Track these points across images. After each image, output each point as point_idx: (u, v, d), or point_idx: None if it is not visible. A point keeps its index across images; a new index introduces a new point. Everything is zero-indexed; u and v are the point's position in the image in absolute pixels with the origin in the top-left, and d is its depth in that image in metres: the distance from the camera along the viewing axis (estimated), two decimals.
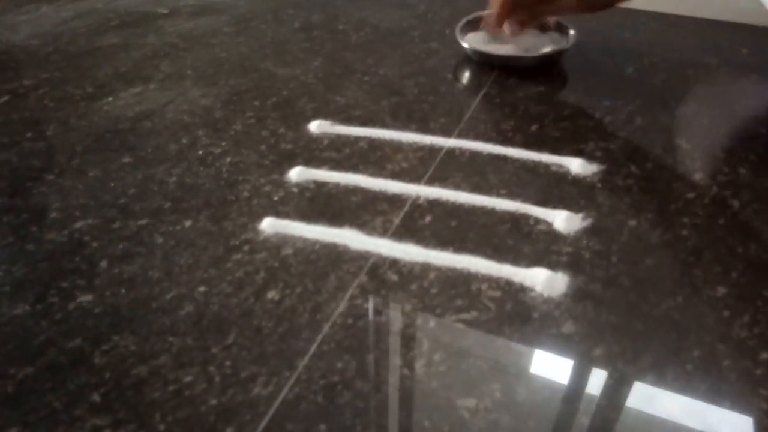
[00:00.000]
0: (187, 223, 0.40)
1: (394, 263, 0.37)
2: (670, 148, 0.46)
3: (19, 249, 0.39)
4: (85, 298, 0.36)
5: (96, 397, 0.30)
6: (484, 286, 0.35)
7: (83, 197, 0.43)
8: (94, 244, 0.39)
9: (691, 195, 0.41)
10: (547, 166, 0.44)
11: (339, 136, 0.49)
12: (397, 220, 0.40)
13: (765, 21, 0.59)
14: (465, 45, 0.58)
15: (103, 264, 0.38)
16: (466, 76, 0.57)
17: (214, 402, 0.30)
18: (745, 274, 0.35)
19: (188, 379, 0.31)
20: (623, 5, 0.53)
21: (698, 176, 0.43)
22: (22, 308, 0.35)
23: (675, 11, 0.67)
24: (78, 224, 0.41)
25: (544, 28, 0.60)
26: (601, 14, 0.66)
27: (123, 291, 0.36)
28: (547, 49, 0.58)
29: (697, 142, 0.47)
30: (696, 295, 0.34)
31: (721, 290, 0.34)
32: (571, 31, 0.58)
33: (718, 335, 0.32)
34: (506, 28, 0.54)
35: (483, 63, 0.58)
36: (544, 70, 0.57)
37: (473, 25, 0.61)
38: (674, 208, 0.40)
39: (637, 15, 0.67)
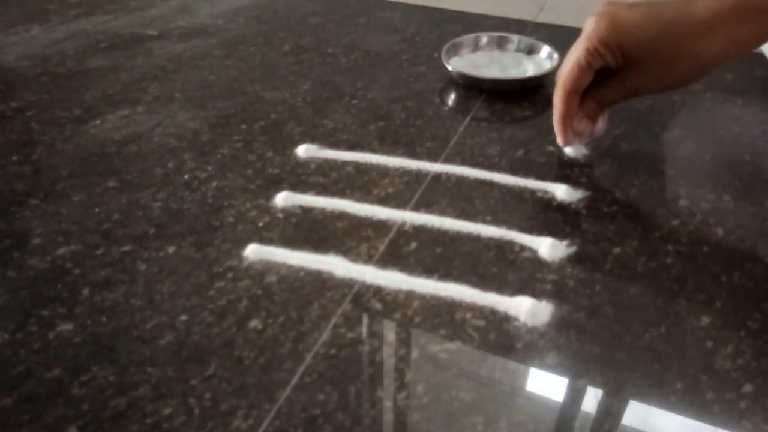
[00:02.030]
0: (171, 250, 0.40)
1: (378, 291, 0.37)
2: (655, 174, 0.46)
3: (0, 276, 0.39)
4: (66, 326, 0.35)
5: (73, 430, 0.30)
6: (468, 315, 0.35)
7: (66, 222, 0.43)
8: (76, 271, 0.39)
9: (675, 222, 0.41)
10: (532, 192, 0.44)
11: (326, 161, 0.49)
12: (382, 247, 0.40)
13: None
14: (450, 68, 0.58)
15: (85, 292, 0.37)
16: (453, 100, 0.57)
17: None
18: (729, 303, 0.35)
19: (167, 411, 0.30)
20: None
21: (683, 203, 0.43)
22: (1, 337, 0.35)
23: None
24: (60, 250, 0.40)
25: (530, 52, 0.61)
26: None
27: (104, 320, 0.35)
28: (531, 72, 0.58)
29: (681, 168, 0.47)
30: (679, 325, 0.34)
31: (705, 320, 0.34)
32: (555, 54, 0.59)
33: (702, 366, 0.32)
34: (581, 127, 0.45)
35: (469, 86, 0.58)
36: (530, 96, 0.57)
37: (459, 49, 0.62)
38: (658, 235, 0.40)
39: None
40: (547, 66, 0.58)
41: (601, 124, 0.46)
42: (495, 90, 0.57)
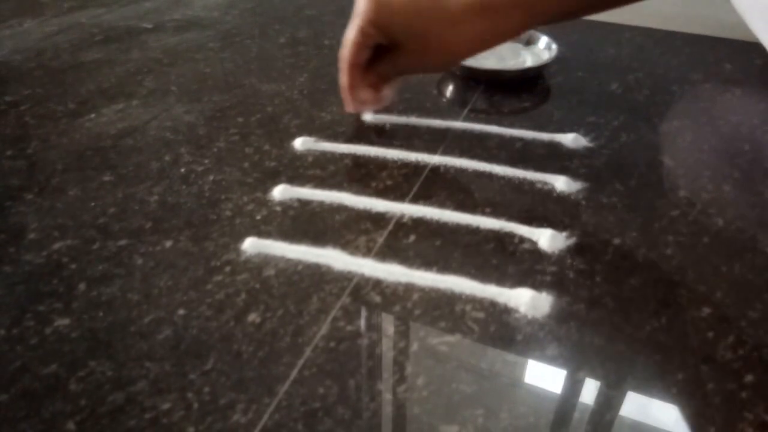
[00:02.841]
0: (168, 244, 0.40)
1: (377, 284, 0.36)
2: (654, 164, 0.46)
3: None
4: (62, 321, 0.35)
5: (71, 426, 0.30)
6: (468, 308, 0.35)
7: (62, 217, 0.42)
8: (73, 266, 0.38)
9: (675, 213, 0.41)
10: (531, 184, 0.44)
11: (324, 153, 0.48)
12: (380, 240, 0.40)
13: (748, 36, 0.60)
14: None
15: (81, 286, 0.37)
16: (450, 91, 0.57)
17: (191, 430, 0.29)
18: (730, 293, 0.35)
19: (166, 406, 0.30)
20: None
21: (682, 193, 0.43)
22: None
23: (658, 26, 0.68)
24: (56, 245, 0.40)
25: (528, 42, 0.61)
26: (584, 29, 0.66)
27: (101, 314, 0.35)
28: (529, 63, 0.58)
29: (681, 158, 0.47)
30: (680, 316, 0.34)
31: (706, 310, 0.34)
32: (554, 45, 0.58)
33: (703, 357, 0.31)
34: (363, 96, 0.48)
35: (466, 77, 0.58)
36: (529, 86, 0.57)
37: None
38: (658, 226, 0.40)
39: (621, 30, 0.67)
40: (545, 56, 0.58)
41: (387, 93, 0.49)
42: (493, 81, 0.57)
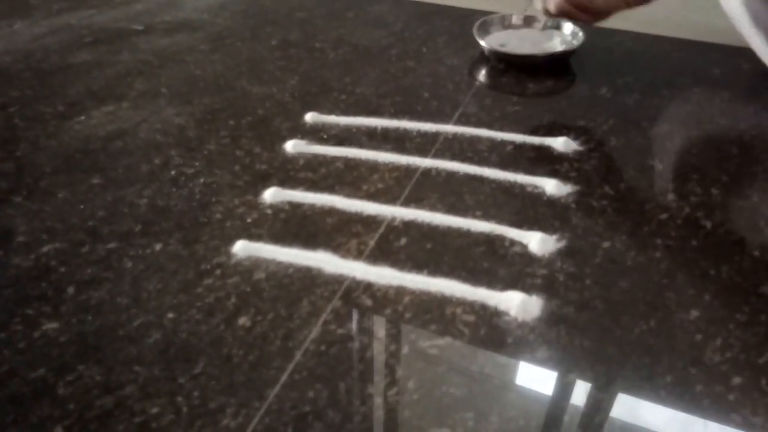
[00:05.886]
0: (158, 247, 0.40)
1: (368, 287, 0.36)
2: (644, 168, 0.46)
3: None
4: (51, 325, 0.35)
5: (59, 430, 0.29)
6: (458, 310, 0.35)
7: (51, 220, 0.42)
8: (61, 269, 0.38)
9: (664, 216, 0.41)
10: (522, 187, 0.44)
11: (315, 156, 0.48)
12: (372, 243, 0.39)
13: (736, 40, 0.60)
14: (483, 44, 0.62)
15: (70, 290, 0.37)
16: (442, 95, 0.57)
17: None
18: (718, 296, 0.35)
19: (155, 410, 0.30)
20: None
21: (671, 197, 0.43)
22: None
23: (648, 31, 0.68)
24: (45, 248, 0.40)
25: (557, 27, 0.65)
26: None
27: (89, 318, 0.35)
28: (559, 48, 0.61)
29: (670, 162, 0.47)
30: (668, 319, 0.34)
31: (694, 313, 0.34)
32: (580, 33, 0.62)
33: (691, 359, 0.32)
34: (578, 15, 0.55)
35: (499, 61, 0.61)
36: (522, 90, 0.57)
37: (488, 26, 0.65)
38: (647, 229, 0.40)
39: (611, 35, 0.67)
40: (572, 43, 0.61)
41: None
42: (522, 64, 0.61)
